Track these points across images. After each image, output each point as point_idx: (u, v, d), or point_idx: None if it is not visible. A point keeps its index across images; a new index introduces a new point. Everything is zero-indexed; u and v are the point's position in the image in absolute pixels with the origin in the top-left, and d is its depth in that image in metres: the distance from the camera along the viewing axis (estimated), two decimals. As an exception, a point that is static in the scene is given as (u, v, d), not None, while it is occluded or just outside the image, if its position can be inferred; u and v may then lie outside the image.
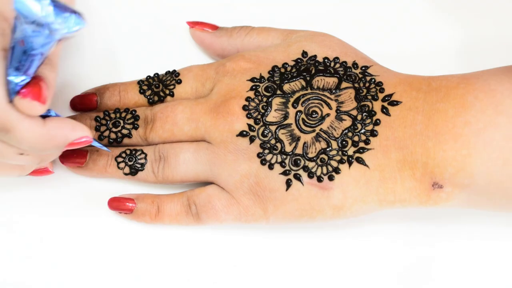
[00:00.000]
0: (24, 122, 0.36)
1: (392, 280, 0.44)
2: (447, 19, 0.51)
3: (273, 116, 0.42)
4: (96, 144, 0.43)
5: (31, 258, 0.45)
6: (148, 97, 0.46)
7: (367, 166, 0.41)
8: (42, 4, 0.32)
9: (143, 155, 0.45)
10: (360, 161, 0.41)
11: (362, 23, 0.51)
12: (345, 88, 0.43)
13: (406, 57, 0.49)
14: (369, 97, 0.42)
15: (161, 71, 0.48)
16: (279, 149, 0.42)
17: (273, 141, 0.42)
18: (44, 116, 0.38)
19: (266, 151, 0.42)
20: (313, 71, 0.43)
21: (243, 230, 0.45)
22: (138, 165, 0.45)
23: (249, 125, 0.42)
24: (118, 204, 0.45)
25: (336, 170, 0.41)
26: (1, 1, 0.37)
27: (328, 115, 0.42)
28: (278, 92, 0.43)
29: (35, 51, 0.34)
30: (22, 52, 0.34)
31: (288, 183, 0.41)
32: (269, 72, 0.44)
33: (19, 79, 0.35)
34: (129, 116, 0.46)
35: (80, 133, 0.39)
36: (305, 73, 0.43)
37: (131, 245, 0.45)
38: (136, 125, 0.45)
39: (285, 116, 0.42)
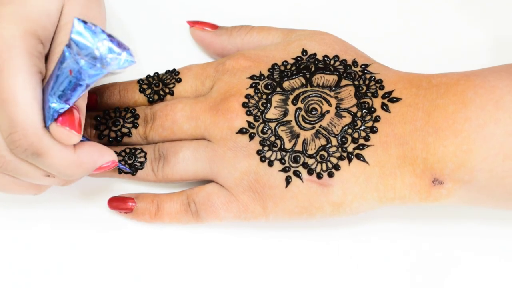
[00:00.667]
0: (56, 148, 0.37)
1: (392, 280, 0.44)
2: (447, 19, 0.51)
3: (272, 113, 0.42)
4: (120, 166, 0.44)
5: (31, 258, 0.44)
6: (148, 96, 0.47)
7: (367, 162, 0.41)
8: (100, 38, 0.32)
9: (142, 154, 0.45)
10: (360, 157, 0.41)
11: (362, 23, 0.51)
12: (345, 86, 0.43)
13: (406, 57, 0.49)
14: (369, 94, 0.42)
15: (161, 70, 0.48)
16: (279, 146, 0.42)
17: (272, 138, 0.42)
18: None
19: (266, 148, 0.42)
20: (312, 69, 0.43)
21: (243, 229, 0.45)
22: (138, 164, 0.45)
23: (249, 122, 0.42)
24: (118, 203, 0.45)
25: (336, 167, 0.41)
26: (36, 24, 0.38)
27: (327, 112, 0.42)
28: (278, 89, 0.43)
29: (83, 82, 0.34)
30: (68, 81, 0.34)
31: (288, 180, 0.41)
32: (269, 70, 0.44)
33: (59, 106, 0.36)
34: (129, 115, 0.46)
35: (108, 158, 0.40)
36: (305, 71, 0.43)
37: (131, 244, 0.45)
38: (136, 124, 0.45)
39: (285, 113, 0.42)
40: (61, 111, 0.36)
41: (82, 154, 0.38)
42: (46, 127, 0.36)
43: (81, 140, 0.39)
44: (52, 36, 0.39)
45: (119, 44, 0.32)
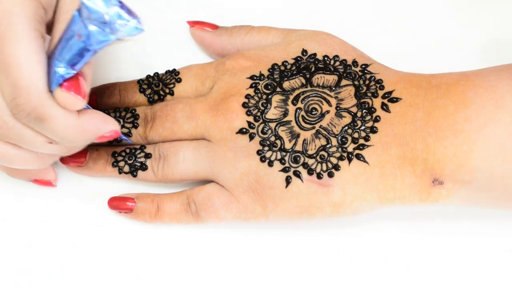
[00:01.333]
0: (60, 113, 0.37)
1: (392, 280, 0.44)
2: (447, 19, 0.51)
3: (272, 113, 0.42)
4: (123, 137, 0.44)
5: (31, 258, 0.44)
6: (148, 96, 0.46)
7: (367, 162, 0.41)
8: (111, 3, 0.32)
9: (142, 154, 0.45)
10: (360, 157, 0.41)
11: (362, 23, 0.51)
12: (345, 86, 0.43)
13: (406, 57, 0.49)
14: (369, 94, 0.42)
15: (161, 71, 0.48)
16: (279, 146, 0.42)
17: (272, 138, 0.42)
18: None
19: (266, 148, 0.42)
20: (312, 69, 0.43)
21: (242, 229, 0.45)
22: (138, 164, 0.45)
23: (249, 122, 0.42)
24: (118, 203, 0.45)
25: (336, 167, 0.41)
26: None
27: (327, 112, 0.42)
28: (278, 89, 0.43)
29: (91, 47, 0.34)
30: (76, 46, 0.34)
31: (288, 180, 0.41)
32: (269, 70, 0.44)
33: (65, 71, 0.35)
34: (129, 115, 0.46)
35: (111, 126, 0.40)
36: (304, 71, 0.43)
37: (131, 244, 0.45)
38: (136, 124, 0.45)
39: (285, 113, 0.42)
40: (67, 76, 0.36)
41: (85, 121, 0.38)
42: (51, 91, 0.36)
43: (84, 108, 0.39)
44: (55, 2, 0.38)
45: (130, 12, 0.32)
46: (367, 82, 0.43)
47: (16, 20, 0.35)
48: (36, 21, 0.36)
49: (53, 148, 0.39)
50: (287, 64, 0.44)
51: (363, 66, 0.44)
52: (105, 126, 0.39)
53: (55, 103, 0.36)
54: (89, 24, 0.32)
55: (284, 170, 0.41)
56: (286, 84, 0.43)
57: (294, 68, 0.44)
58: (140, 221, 0.45)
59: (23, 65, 0.35)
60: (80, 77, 0.36)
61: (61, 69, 0.35)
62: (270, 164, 0.41)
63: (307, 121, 0.42)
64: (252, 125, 0.42)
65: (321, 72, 0.43)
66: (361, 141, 0.41)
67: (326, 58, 0.44)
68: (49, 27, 0.39)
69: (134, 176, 0.45)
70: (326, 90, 0.43)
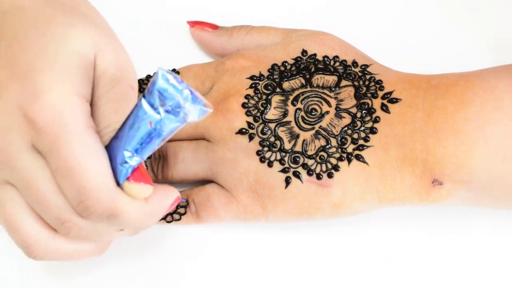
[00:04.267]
0: (132, 205, 0.35)
1: (392, 279, 0.44)
2: (447, 20, 0.51)
3: (272, 113, 0.42)
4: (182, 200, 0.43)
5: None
6: (148, 96, 0.46)
7: (366, 163, 0.41)
8: (183, 87, 0.31)
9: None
10: (360, 158, 0.41)
11: (362, 23, 0.51)
12: (344, 86, 0.43)
13: (406, 57, 0.49)
14: (369, 95, 0.42)
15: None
16: (279, 146, 0.42)
17: (272, 139, 0.42)
18: None
19: (265, 148, 0.42)
20: (312, 69, 0.43)
21: (242, 229, 0.45)
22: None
23: (249, 123, 0.42)
24: None
25: (336, 168, 0.41)
26: (78, 84, 0.35)
27: (327, 112, 0.42)
28: (278, 90, 0.43)
29: (161, 133, 0.33)
30: (147, 133, 0.33)
31: (287, 181, 0.41)
32: (268, 70, 0.44)
33: (135, 161, 0.34)
34: (129, 115, 0.46)
35: (173, 196, 0.38)
36: (304, 71, 0.43)
37: (131, 244, 0.45)
38: None
39: (285, 114, 0.42)
40: (136, 166, 0.34)
41: (154, 204, 0.36)
42: (119, 185, 0.35)
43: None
44: (91, 90, 0.37)
45: (198, 96, 0.32)
46: (367, 82, 0.43)
47: (68, 120, 0.34)
48: (87, 117, 0.35)
49: (124, 232, 0.38)
50: (287, 64, 0.44)
51: (363, 67, 0.44)
52: (170, 199, 0.38)
53: (125, 197, 0.35)
54: (163, 111, 0.32)
55: (284, 170, 0.41)
56: (286, 85, 0.43)
57: (294, 68, 0.44)
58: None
59: (87, 166, 0.34)
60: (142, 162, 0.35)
61: (131, 160, 0.34)
62: (270, 164, 0.41)
63: (307, 122, 0.42)
64: (251, 125, 0.42)
65: (321, 72, 0.43)
66: (361, 141, 0.41)
67: (326, 58, 0.44)
68: None
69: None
70: (326, 91, 0.43)
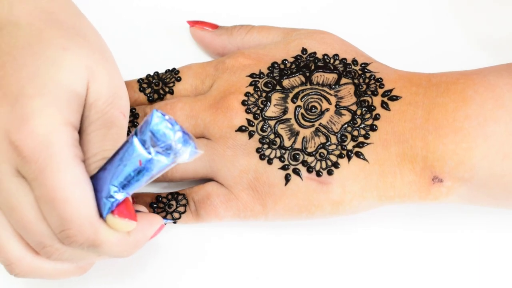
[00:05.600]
0: (114, 237, 0.36)
1: (392, 279, 0.44)
2: (447, 19, 0.51)
3: (272, 111, 0.42)
4: (166, 221, 0.43)
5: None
6: (148, 95, 0.46)
7: (366, 160, 0.41)
8: (175, 129, 0.32)
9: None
10: (360, 155, 0.41)
11: (362, 22, 0.51)
12: (344, 84, 0.43)
13: (406, 56, 0.49)
14: (369, 92, 0.42)
15: (161, 70, 0.48)
16: (278, 144, 0.42)
17: (272, 136, 0.42)
18: None
19: (265, 146, 0.42)
20: (312, 67, 0.43)
21: (242, 228, 0.45)
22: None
23: (248, 120, 0.42)
24: None
25: (335, 165, 0.41)
26: (68, 112, 0.35)
27: (327, 110, 0.42)
28: (278, 87, 0.43)
29: (150, 172, 0.33)
30: (135, 171, 0.33)
31: (287, 178, 0.41)
32: (268, 68, 0.44)
33: (121, 196, 0.34)
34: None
35: (156, 225, 0.38)
36: (304, 69, 0.43)
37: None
38: (135, 123, 0.45)
39: (284, 111, 0.42)
40: (120, 200, 0.34)
41: (136, 235, 0.37)
42: (103, 218, 0.35)
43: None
44: (81, 117, 0.37)
45: (189, 137, 0.32)
46: (367, 80, 0.43)
47: (55, 150, 0.34)
48: (74, 147, 0.35)
49: (104, 257, 0.39)
50: (286, 62, 0.44)
51: (363, 65, 0.44)
52: (153, 229, 0.38)
53: (107, 229, 0.35)
54: (154, 151, 0.32)
55: (284, 168, 0.41)
56: (285, 82, 0.43)
57: (293, 66, 0.44)
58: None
59: (70, 197, 0.34)
60: (128, 198, 0.35)
61: (117, 195, 0.34)
62: (270, 162, 0.41)
63: (307, 119, 0.42)
64: (251, 123, 0.42)
65: (321, 70, 0.43)
66: (361, 139, 0.41)
67: (326, 56, 0.44)
68: None
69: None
70: (325, 88, 0.43)
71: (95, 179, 0.35)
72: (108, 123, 0.37)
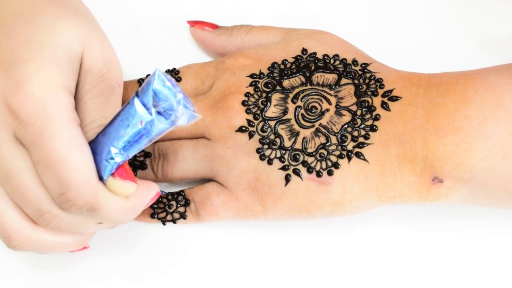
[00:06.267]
0: (113, 200, 0.36)
1: (392, 279, 0.44)
2: (447, 19, 0.51)
3: (272, 111, 0.42)
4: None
5: (31, 258, 0.44)
6: (148, 95, 0.46)
7: (366, 161, 0.41)
8: (177, 91, 0.32)
9: (142, 153, 0.45)
10: (360, 156, 0.41)
11: (362, 22, 0.51)
12: (344, 84, 0.43)
13: (406, 56, 0.49)
14: (369, 92, 0.42)
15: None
16: (278, 144, 0.42)
17: (272, 136, 0.42)
18: None
19: (265, 146, 0.42)
20: (312, 68, 0.43)
21: (242, 228, 0.45)
22: (137, 163, 0.45)
23: (248, 121, 0.42)
24: None
25: (336, 165, 0.41)
26: (64, 77, 0.35)
27: (327, 110, 0.42)
28: (278, 87, 0.43)
29: (150, 134, 0.33)
30: (136, 132, 0.33)
31: (287, 178, 0.41)
32: (268, 69, 0.44)
33: (121, 158, 0.34)
34: (128, 114, 0.46)
35: (153, 191, 0.38)
36: (304, 70, 0.43)
37: (131, 244, 0.45)
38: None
39: (285, 112, 0.42)
40: (120, 163, 0.34)
41: (134, 199, 0.37)
42: (103, 180, 0.35)
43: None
44: (76, 84, 0.37)
45: (189, 100, 0.32)
46: (367, 81, 0.43)
47: (52, 113, 0.34)
48: (71, 110, 0.35)
49: (103, 226, 0.39)
50: (287, 62, 0.44)
51: (363, 65, 0.44)
52: (150, 194, 0.38)
53: (107, 192, 0.35)
54: (154, 111, 0.32)
55: (284, 168, 0.41)
56: (286, 83, 0.43)
57: (294, 66, 0.44)
58: (140, 222, 0.45)
59: (69, 159, 0.34)
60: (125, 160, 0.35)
61: (118, 157, 0.34)
62: (270, 162, 0.41)
63: (307, 119, 0.42)
64: (251, 123, 0.42)
65: (321, 70, 0.43)
66: (361, 139, 0.41)
67: (326, 57, 0.44)
68: None
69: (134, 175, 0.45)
70: (326, 89, 0.43)
71: (94, 143, 0.35)
72: (104, 91, 0.37)
